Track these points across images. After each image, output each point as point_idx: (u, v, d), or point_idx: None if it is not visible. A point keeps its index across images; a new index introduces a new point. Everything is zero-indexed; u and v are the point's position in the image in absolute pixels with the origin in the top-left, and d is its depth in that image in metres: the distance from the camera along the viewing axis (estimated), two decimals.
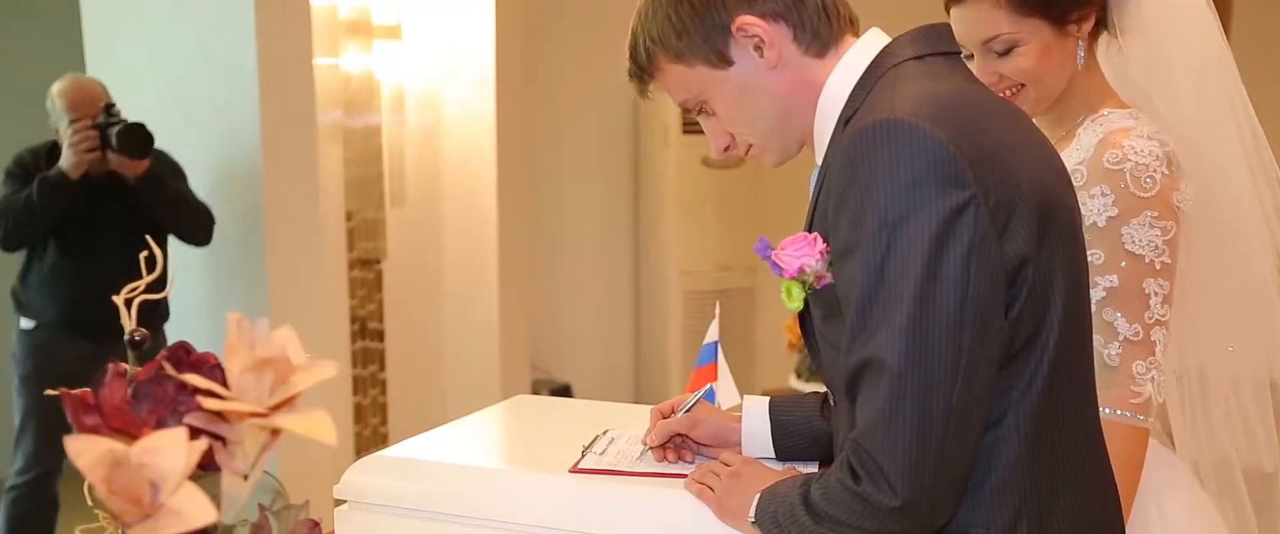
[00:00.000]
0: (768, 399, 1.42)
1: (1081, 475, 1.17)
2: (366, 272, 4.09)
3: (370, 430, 4.10)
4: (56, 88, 3.07)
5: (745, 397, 1.43)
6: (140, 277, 3.36)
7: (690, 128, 4.71)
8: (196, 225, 3.21)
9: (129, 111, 3.13)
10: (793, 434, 1.38)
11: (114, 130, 2.96)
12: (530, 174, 4.53)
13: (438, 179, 4.28)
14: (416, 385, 4.30)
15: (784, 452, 1.39)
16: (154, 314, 3.18)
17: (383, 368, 4.16)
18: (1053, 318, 1.10)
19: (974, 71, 1.50)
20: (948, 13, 1.54)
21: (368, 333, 4.10)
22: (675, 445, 1.39)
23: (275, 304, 3.34)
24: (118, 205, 3.09)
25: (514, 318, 4.35)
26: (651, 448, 1.39)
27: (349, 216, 3.99)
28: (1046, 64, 1.51)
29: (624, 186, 5.19)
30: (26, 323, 3.19)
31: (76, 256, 3.12)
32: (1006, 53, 1.51)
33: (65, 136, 2.99)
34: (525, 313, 4.46)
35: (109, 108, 3.03)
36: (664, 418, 1.41)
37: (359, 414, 4.05)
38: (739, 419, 1.41)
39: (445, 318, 4.36)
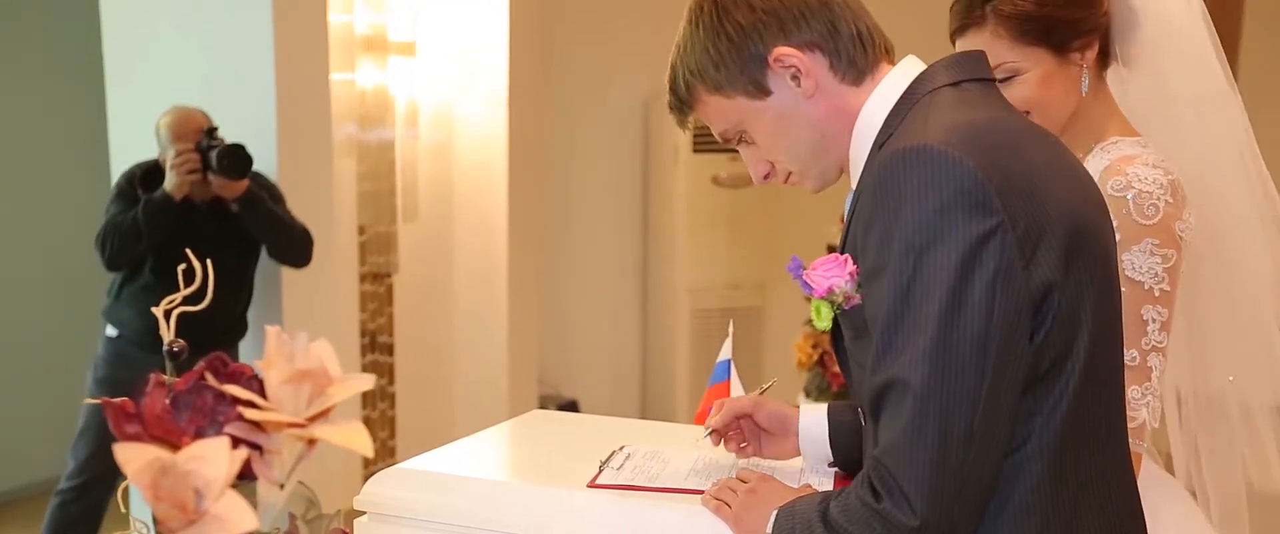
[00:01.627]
0: (825, 405, 1.45)
1: (1106, 502, 1.17)
2: (377, 285, 4.11)
3: (379, 444, 4.11)
4: (163, 120, 3.11)
5: (801, 401, 1.46)
6: (230, 298, 3.29)
7: (701, 147, 4.72)
8: (293, 246, 3.23)
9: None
10: (852, 432, 1.39)
11: (214, 152, 3.02)
12: (541, 191, 4.55)
13: (450, 194, 4.31)
14: (425, 400, 4.31)
15: (841, 451, 1.41)
16: (233, 331, 3.23)
17: (392, 381, 4.18)
18: (1079, 344, 1.11)
19: None
20: (953, 44, 1.55)
21: (378, 346, 4.11)
22: (734, 434, 1.42)
23: (288, 316, 3.36)
24: (217, 231, 3.11)
25: (523, 333, 4.36)
26: (710, 432, 1.42)
27: (361, 230, 4.02)
28: (1048, 92, 1.53)
29: (634, 204, 5.20)
30: (112, 331, 3.22)
31: (170, 279, 3.13)
32: (1007, 81, 1.51)
33: (169, 162, 3.05)
34: (534, 328, 4.48)
35: (211, 132, 3.08)
36: None
37: (367, 427, 4.05)
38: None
39: (455, 333, 4.38)
